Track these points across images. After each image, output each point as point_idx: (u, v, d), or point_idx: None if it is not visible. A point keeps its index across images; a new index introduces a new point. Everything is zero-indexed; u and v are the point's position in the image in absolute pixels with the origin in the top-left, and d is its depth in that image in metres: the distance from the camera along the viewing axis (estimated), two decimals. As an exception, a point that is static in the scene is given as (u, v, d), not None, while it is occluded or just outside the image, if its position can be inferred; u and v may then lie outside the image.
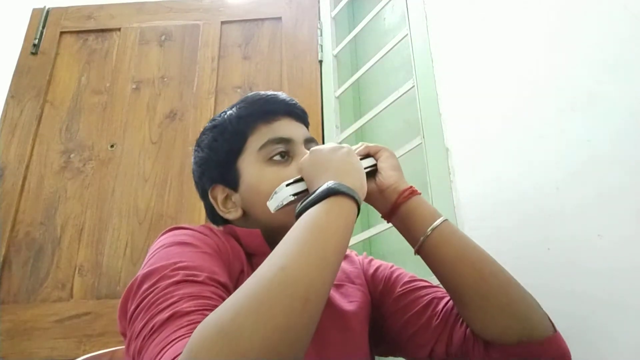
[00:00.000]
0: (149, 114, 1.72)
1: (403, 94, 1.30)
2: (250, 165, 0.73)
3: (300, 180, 0.65)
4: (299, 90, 1.70)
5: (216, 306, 0.47)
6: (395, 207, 0.69)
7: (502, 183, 0.92)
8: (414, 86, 1.25)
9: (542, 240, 0.81)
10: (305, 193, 0.64)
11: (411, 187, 0.70)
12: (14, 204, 1.58)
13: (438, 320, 0.69)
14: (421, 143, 1.19)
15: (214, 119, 0.79)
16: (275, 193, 0.64)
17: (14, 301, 1.47)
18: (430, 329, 0.69)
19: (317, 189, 0.57)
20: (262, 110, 0.75)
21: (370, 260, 0.84)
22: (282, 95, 0.79)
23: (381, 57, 1.42)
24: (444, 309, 0.70)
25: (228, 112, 0.77)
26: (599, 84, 0.76)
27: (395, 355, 0.79)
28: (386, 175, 0.71)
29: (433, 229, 0.66)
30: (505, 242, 0.89)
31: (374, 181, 0.71)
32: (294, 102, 0.79)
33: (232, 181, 0.74)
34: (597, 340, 0.70)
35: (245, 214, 0.73)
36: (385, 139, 1.56)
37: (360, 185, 0.61)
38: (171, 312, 0.49)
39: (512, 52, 0.95)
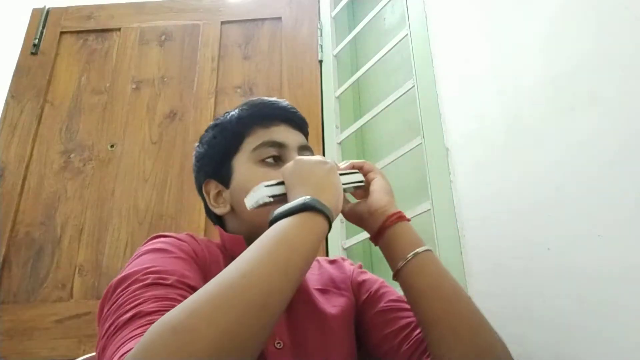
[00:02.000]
0: (149, 114, 1.72)
1: (403, 94, 1.30)
2: (243, 165, 0.76)
3: (281, 184, 0.66)
4: (298, 90, 1.70)
5: None
6: (382, 229, 0.70)
7: (502, 183, 0.92)
8: (414, 86, 1.25)
9: (542, 240, 0.81)
10: (281, 197, 0.65)
11: (399, 212, 0.71)
12: (14, 204, 1.58)
13: (407, 346, 0.69)
14: (421, 143, 1.19)
15: (217, 118, 0.83)
16: (253, 191, 0.66)
17: (14, 301, 1.47)
18: (400, 352, 0.70)
19: (292, 201, 0.59)
20: (261, 114, 0.78)
21: (362, 272, 0.85)
22: (284, 102, 0.82)
23: (381, 57, 1.42)
24: (416, 337, 0.70)
25: (231, 113, 0.81)
26: (599, 84, 0.76)
27: None
28: (377, 197, 0.72)
29: (414, 255, 0.66)
30: (505, 242, 0.89)
31: (366, 204, 0.73)
32: (294, 110, 0.82)
33: (224, 178, 0.77)
34: (597, 340, 0.70)
35: (232, 210, 0.76)
36: (385, 139, 1.56)
37: (335, 204, 0.62)
38: (134, 312, 0.51)
39: (512, 52, 0.95)
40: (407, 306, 0.75)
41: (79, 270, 1.50)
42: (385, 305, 0.76)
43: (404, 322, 0.72)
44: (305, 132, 0.83)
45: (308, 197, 0.58)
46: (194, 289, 0.57)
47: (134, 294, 0.54)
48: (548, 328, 0.76)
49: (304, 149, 0.79)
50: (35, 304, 1.46)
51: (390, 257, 0.70)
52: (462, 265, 0.97)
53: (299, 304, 0.72)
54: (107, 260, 1.51)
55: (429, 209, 1.11)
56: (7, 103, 1.74)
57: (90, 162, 1.65)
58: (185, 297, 0.53)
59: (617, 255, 0.69)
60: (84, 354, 0.86)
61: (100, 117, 1.72)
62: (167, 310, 0.49)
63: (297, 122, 0.81)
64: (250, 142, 0.76)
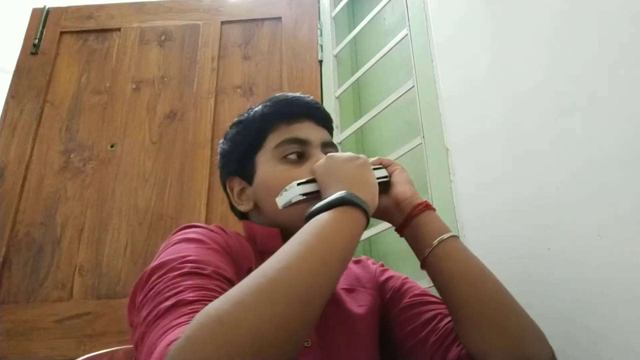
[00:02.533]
0: (149, 114, 1.72)
1: (403, 94, 1.30)
2: (266, 162, 0.75)
3: (312, 181, 0.66)
4: (298, 90, 1.66)
5: None
6: (409, 219, 0.70)
7: (502, 183, 0.92)
8: (414, 86, 1.25)
9: (542, 240, 0.81)
10: (314, 195, 0.65)
11: (426, 201, 0.71)
12: (14, 204, 1.58)
13: (436, 337, 0.69)
14: (421, 143, 1.19)
15: (241, 115, 0.83)
16: (285, 190, 0.66)
17: (14, 301, 1.47)
18: (428, 344, 0.69)
19: (329, 196, 0.58)
20: (284, 110, 0.78)
21: (385, 270, 0.85)
22: (308, 98, 0.81)
23: (381, 57, 1.42)
24: (445, 327, 0.69)
25: (254, 110, 0.81)
26: (600, 84, 0.76)
27: None
28: (402, 189, 0.73)
29: (439, 242, 0.66)
30: (505, 242, 0.89)
31: (388, 195, 0.73)
32: (318, 105, 0.81)
33: (248, 175, 0.77)
34: (596, 340, 0.70)
35: (256, 207, 0.76)
36: (385, 139, 1.56)
37: (372, 199, 0.62)
38: (175, 300, 0.51)
39: (513, 52, 0.95)
40: (433, 299, 0.75)
41: (79, 270, 1.50)
42: (409, 300, 0.76)
43: (429, 314, 0.72)
44: (329, 128, 0.82)
45: (343, 192, 0.58)
46: (229, 281, 0.57)
47: (172, 281, 0.53)
48: (548, 328, 0.76)
49: (328, 146, 0.78)
50: (35, 304, 1.46)
51: (416, 245, 0.70)
52: (462, 265, 0.97)
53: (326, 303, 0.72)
54: (107, 260, 1.51)
55: (429, 209, 1.11)
56: (7, 103, 1.74)
57: (90, 162, 1.65)
58: (222, 288, 0.54)
59: (617, 255, 0.69)
60: (84, 354, 0.86)
61: (100, 117, 1.72)
62: (208, 300, 0.49)
63: (321, 118, 0.80)
64: (273, 139, 0.76)
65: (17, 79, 1.78)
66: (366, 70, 1.50)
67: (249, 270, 0.67)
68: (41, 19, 1.87)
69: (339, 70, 1.71)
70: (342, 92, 1.63)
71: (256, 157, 0.77)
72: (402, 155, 1.26)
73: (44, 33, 1.85)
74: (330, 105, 1.64)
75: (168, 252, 0.60)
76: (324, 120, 0.81)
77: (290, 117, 0.77)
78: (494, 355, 0.61)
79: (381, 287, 0.80)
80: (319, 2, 1.86)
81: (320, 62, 1.75)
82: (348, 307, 0.73)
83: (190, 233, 0.65)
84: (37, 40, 1.82)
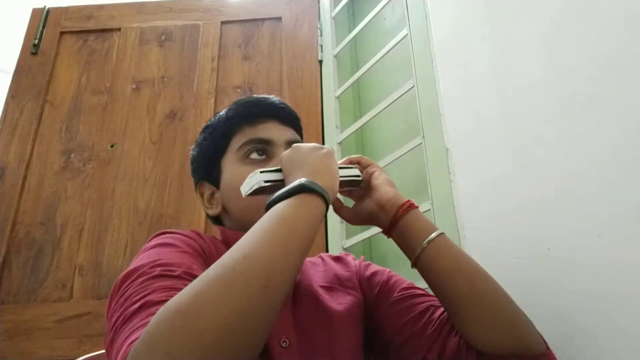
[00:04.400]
0: (149, 114, 1.72)
1: (403, 94, 1.30)
2: (230, 164, 0.76)
3: (278, 171, 0.66)
4: (299, 90, 1.70)
5: None
6: (395, 220, 0.70)
7: (502, 183, 0.92)
8: (414, 86, 1.25)
9: (542, 240, 0.81)
10: (278, 184, 0.65)
11: (409, 200, 0.72)
12: (14, 204, 1.58)
13: (433, 328, 0.69)
14: (421, 143, 1.19)
15: (210, 120, 0.83)
16: (249, 177, 0.66)
17: (14, 301, 1.47)
18: (425, 336, 0.70)
19: (289, 184, 0.59)
20: (248, 112, 0.78)
21: (368, 265, 0.84)
22: (272, 98, 0.81)
23: (381, 57, 1.43)
24: (440, 318, 0.70)
25: (220, 113, 0.81)
26: (599, 83, 0.76)
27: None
28: (384, 190, 0.73)
29: (429, 242, 0.67)
30: (505, 242, 0.89)
31: (371, 199, 0.73)
32: (282, 105, 0.81)
33: (215, 179, 0.78)
34: (596, 340, 0.70)
35: (225, 210, 0.77)
36: (385, 139, 1.56)
37: (331, 186, 0.62)
38: (142, 302, 0.51)
39: (512, 52, 0.95)
40: (420, 291, 0.76)
41: (79, 270, 1.50)
42: (399, 294, 0.76)
43: (422, 307, 0.73)
44: (296, 127, 0.82)
45: (303, 179, 0.58)
46: None
47: (141, 285, 0.54)
48: (548, 327, 0.76)
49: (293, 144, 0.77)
50: (35, 304, 1.46)
51: (406, 246, 0.70)
52: (462, 265, 0.97)
53: (304, 301, 0.72)
54: (107, 260, 1.51)
55: (429, 209, 1.11)
56: (7, 103, 1.74)
57: (90, 162, 1.65)
58: None
59: (617, 255, 0.69)
60: (84, 354, 0.86)
61: (100, 117, 1.72)
62: None
63: (286, 118, 0.80)
64: (237, 141, 0.76)
65: (17, 79, 1.78)
66: (366, 70, 1.50)
67: None
68: (41, 19, 1.87)
69: (339, 70, 1.71)
70: (342, 92, 1.63)
71: (222, 161, 0.77)
72: (402, 155, 1.26)
73: (44, 33, 1.85)
74: (330, 105, 1.64)
75: (140, 258, 0.61)
76: (290, 120, 0.80)
77: (253, 118, 0.77)
78: (494, 344, 0.62)
79: (367, 283, 0.80)
80: (319, 2, 1.86)
81: (320, 62, 1.75)
82: (328, 305, 0.73)
83: (163, 238, 0.66)
84: (37, 40, 1.82)
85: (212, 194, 0.79)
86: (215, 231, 0.80)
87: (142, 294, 0.52)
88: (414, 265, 0.69)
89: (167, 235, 0.67)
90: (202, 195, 0.80)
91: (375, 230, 1.28)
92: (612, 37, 0.75)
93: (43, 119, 1.72)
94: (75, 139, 1.69)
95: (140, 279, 0.55)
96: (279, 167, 0.67)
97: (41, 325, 1.42)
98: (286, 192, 0.58)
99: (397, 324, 0.73)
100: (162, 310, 0.44)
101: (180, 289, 0.51)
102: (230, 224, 0.77)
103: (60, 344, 1.39)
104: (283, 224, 0.53)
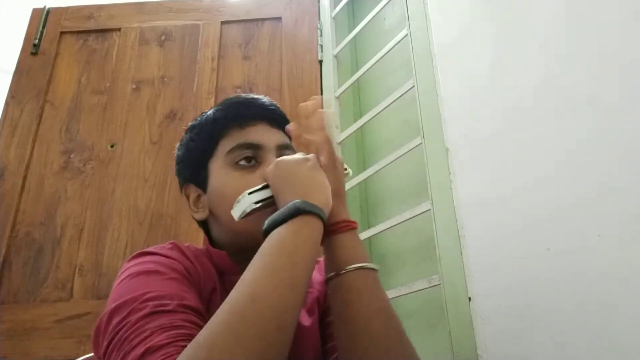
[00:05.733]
0: (149, 114, 1.72)
1: (403, 94, 1.30)
2: (218, 169, 0.73)
3: (265, 187, 0.65)
4: (298, 90, 1.70)
5: (189, 334, 0.47)
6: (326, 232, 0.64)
7: (502, 183, 0.92)
8: (414, 86, 1.25)
9: (542, 240, 0.81)
10: (268, 201, 0.64)
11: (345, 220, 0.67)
12: (14, 204, 1.58)
13: None
14: (421, 143, 1.19)
15: (195, 119, 0.80)
16: (238, 202, 0.64)
17: (14, 301, 1.47)
18: None
19: (282, 206, 0.57)
20: (236, 114, 0.74)
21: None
22: (262, 99, 0.77)
23: (381, 57, 1.42)
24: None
25: (207, 114, 0.77)
26: (599, 83, 0.76)
27: None
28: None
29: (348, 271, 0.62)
30: (505, 242, 0.89)
31: None
32: (272, 107, 0.77)
33: (202, 182, 0.75)
34: (597, 340, 0.70)
35: (212, 215, 0.74)
36: (385, 139, 1.56)
37: (325, 201, 0.60)
38: (145, 347, 0.49)
39: (512, 52, 0.95)
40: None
41: (79, 270, 1.50)
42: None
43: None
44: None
45: (298, 200, 0.57)
46: (195, 310, 0.55)
47: (137, 325, 0.51)
48: (548, 328, 0.76)
49: (284, 148, 0.75)
50: (35, 304, 1.46)
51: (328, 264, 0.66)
52: (462, 265, 0.97)
53: None
54: (107, 260, 1.51)
55: (429, 209, 1.11)
56: (7, 103, 1.74)
57: (90, 162, 1.65)
58: (190, 321, 0.52)
59: (617, 255, 0.69)
60: (84, 354, 0.86)
61: (100, 117, 1.72)
62: (178, 340, 0.48)
63: (277, 120, 0.76)
64: (225, 145, 0.73)
65: (17, 79, 1.78)
66: (366, 70, 1.50)
67: (213, 291, 0.65)
68: (41, 19, 1.87)
69: (339, 70, 1.71)
70: (342, 92, 1.62)
71: (209, 164, 0.74)
72: (402, 155, 1.26)
73: (44, 33, 1.85)
74: (330, 105, 1.64)
75: (125, 289, 0.58)
76: (280, 122, 0.76)
77: (242, 120, 0.73)
78: None
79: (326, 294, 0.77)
80: (319, 2, 1.86)
81: (320, 62, 1.75)
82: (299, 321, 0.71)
83: (147, 264, 0.62)
84: (37, 40, 1.82)
85: (199, 197, 0.75)
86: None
87: (141, 337, 0.50)
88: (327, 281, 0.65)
89: (148, 258, 0.63)
90: (187, 197, 0.77)
91: (376, 230, 1.28)
92: (612, 37, 0.75)
93: (43, 119, 1.72)
94: (75, 139, 1.69)
95: (133, 317, 0.52)
96: (266, 184, 0.65)
97: (41, 325, 1.42)
98: (282, 216, 0.56)
99: (323, 344, 0.72)
100: None
101: (179, 326, 0.50)
102: (217, 229, 0.74)
103: (60, 344, 1.39)
104: (286, 257, 0.52)
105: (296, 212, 0.56)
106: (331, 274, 0.63)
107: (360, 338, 0.58)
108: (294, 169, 0.63)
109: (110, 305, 0.56)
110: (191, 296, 0.58)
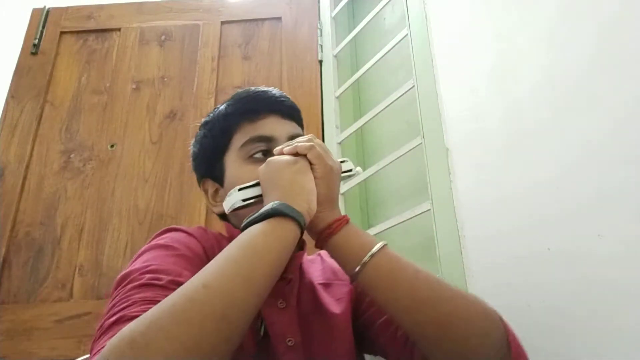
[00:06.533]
0: (149, 114, 1.72)
1: (403, 94, 1.30)
2: (233, 162, 0.75)
3: (257, 185, 0.65)
4: (299, 90, 1.70)
5: None
6: (321, 239, 0.65)
7: (502, 183, 0.92)
8: (414, 86, 1.25)
9: (542, 240, 0.81)
10: (255, 199, 0.64)
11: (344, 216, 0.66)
12: (14, 204, 1.58)
13: (402, 331, 0.67)
14: (421, 143, 1.19)
15: (208, 115, 0.82)
16: (228, 195, 0.65)
17: (14, 301, 1.46)
18: (396, 338, 0.68)
19: (268, 203, 0.58)
20: (247, 108, 0.76)
21: None
22: (272, 91, 0.78)
23: (381, 57, 1.42)
24: None
25: (219, 109, 0.79)
26: (599, 83, 0.76)
27: (377, 354, 0.79)
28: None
29: (358, 272, 0.61)
30: (505, 242, 0.89)
31: None
32: (282, 99, 0.78)
33: (219, 176, 0.77)
34: (597, 340, 0.70)
35: None
36: (385, 139, 1.56)
37: (307, 207, 0.60)
38: (119, 316, 0.50)
39: (513, 52, 0.95)
40: None
41: (79, 270, 1.50)
42: (365, 301, 0.75)
43: None
44: (297, 120, 0.80)
45: (277, 202, 0.57)
46: None
47: (127, 293, 0.54)
48: (548, 328, 0.76)
49: (296, 138, 0.73)
50: (35, 304, 1.46)
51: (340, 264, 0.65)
52: (462, 265, 0.97)
53: (306, 301, 0.73)
54: (107, 260, 1.51)
55: (429, 209, 1.11)
56: (7, 103, 1.74)
57: (90, 162, 1.65)
58: None
59: (617, 255, 0.69)
60: (84, 354, 0.86)
61: (100, 117, 1.72)
62: None
63: (287, 111, 0.77)
64: (239, 139, 0.74)
65: (17, 79, 1.78)
66: (366, 70, 1.50)
67: None
68: (41, 19, 1.87)
69: (339, 70, 1.71)
70: (342, 92, 1.62)
71: (224, 158, 0.76)
72: (402, 155, 1.26)
73: (44, 33, 1.85)
74: (330, 105, 1.64)
75: (138, 260, 0.60)
76: (291, 113, 0.78)
77: (253, 114, 0.75)
78: (438, 355, 0.58)
79: None
80: (319, 2, 1.86)
81: (320, 62, 1.75)
82: (327, 308, 0.73)
83: (164, 239, 0.65)
84: (37, 40, 1.82)
85: (216, 191, 0.78)
86: (221, 227, 0.80)
87: (123, 305, 0.52)
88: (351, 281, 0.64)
89: (171, 233, 0.67)
90: (206, 192, 0.79)
91: (376, 229, 1.28)
92: (612, 37, 0.75)
93: (43, 119, 1.72)
94: (75, 139, 1.69)
95: (128, 286, 0.55)
96: (257, 182, 0.66)
97: (41, 325, 1.42)
98: (259, 216, 0.57)
99: (374, 325, 0.72)
100: (117, 336, 0.43)
101: (159, 302, 0.50)
102: (236, 221, 0.75)
103: (60, 344, 1.39)
104: (250, 253, 0.52)
105: (272, 214, 0.56)
106: (353, 272, 0.61)
107: (420, 307, 0.57)
108: (281, 170, 0.63)
109: (120, 274, 0.59)
110: (191, 275, 0.58)
